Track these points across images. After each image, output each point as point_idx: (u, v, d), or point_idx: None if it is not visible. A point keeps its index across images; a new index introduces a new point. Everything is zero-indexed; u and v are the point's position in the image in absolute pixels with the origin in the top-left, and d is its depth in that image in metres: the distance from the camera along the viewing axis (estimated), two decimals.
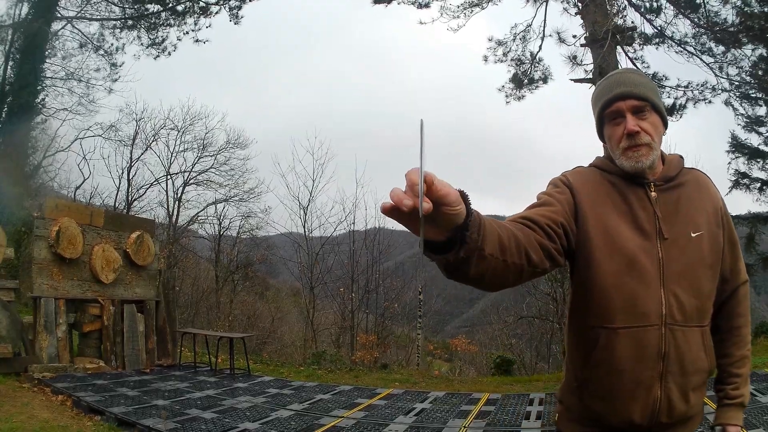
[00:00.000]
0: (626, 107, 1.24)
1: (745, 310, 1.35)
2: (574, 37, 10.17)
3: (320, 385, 6.93)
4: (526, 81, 11.15)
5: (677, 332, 1.19)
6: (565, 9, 10.30)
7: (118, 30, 13.82)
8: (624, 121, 1.24)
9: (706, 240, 1.24)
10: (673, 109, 10.43)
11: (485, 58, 11.24)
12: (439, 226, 0.86)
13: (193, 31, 13.78)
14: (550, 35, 10.63)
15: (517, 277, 1.06)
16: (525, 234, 1.07)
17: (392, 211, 0.78)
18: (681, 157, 1.34)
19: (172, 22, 13.74)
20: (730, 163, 11.04)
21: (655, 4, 10.15)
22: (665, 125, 1.29)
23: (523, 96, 11.28)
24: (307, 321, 14.44)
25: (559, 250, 1.15)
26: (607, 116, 1.28)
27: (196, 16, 13.68)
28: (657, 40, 10.27)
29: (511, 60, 11.10)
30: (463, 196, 0.88)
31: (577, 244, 1.22)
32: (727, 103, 10.78)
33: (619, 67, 9.44)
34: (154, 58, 13.94)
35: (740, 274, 1.34)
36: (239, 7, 13.83)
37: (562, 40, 10.28)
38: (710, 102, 10.41)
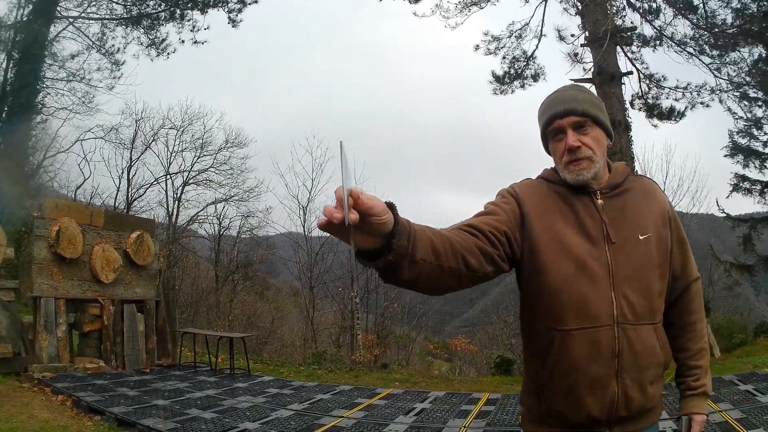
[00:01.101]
0: (567, 123, 1.30)
1: (698, 306, 1.41)
2: (573, 36, 10.21)
3: (320, 385, 6.93)
4: (514, 74, 11.18)
5: (630, 331, 1.24)
6: (565, 9, 10.33)
7: (123, 27, 13.83)
8: (565, 136, 1.30)
9: (654, 241, 1.30)
10: (671, 113, 10.46)
11: (476, 47, 11.29)
12: (370, 235, 0.95)
13: (191, 31, 13.79)
14: (545, 35, 10.68)
15: (456, 281, 1.12)
16: (464, 240, 1.13)
17: (326, 225, 0.87)
18: (627, 164, 1.42)
19: (174, 17, 13.72)
20: (727, 157, 11.05)
21: (653, 5, 10.16)
22: (610, 137, 1.36)
23: (513, 91, 11.33)
24: (307, 321, 14.44)
25: (502, 257, 1.21)
26: (550, 132, 1.35)
27: (196, 12, 13.66)
28: (656, 42, 10.29)
29: (503, 57, 11.14)
30: (391, 207, 0.96)
31: (526, 253, 1.27)
32: (722, 101, 10.80)
33: (619, 67, 9.49)
34: (153, 59, 13.97)
35: (691, 272, 1.40)
36: (239, 11, 13.84)
37: (562, 38, 10.31)
38: (708, 105, 10.44)
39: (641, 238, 1.29)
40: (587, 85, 9.57)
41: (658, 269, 1.30)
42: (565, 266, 1.25)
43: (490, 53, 11.28)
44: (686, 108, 10.38)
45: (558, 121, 1.31)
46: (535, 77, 11.19)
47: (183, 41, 13.77)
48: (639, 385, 1.26)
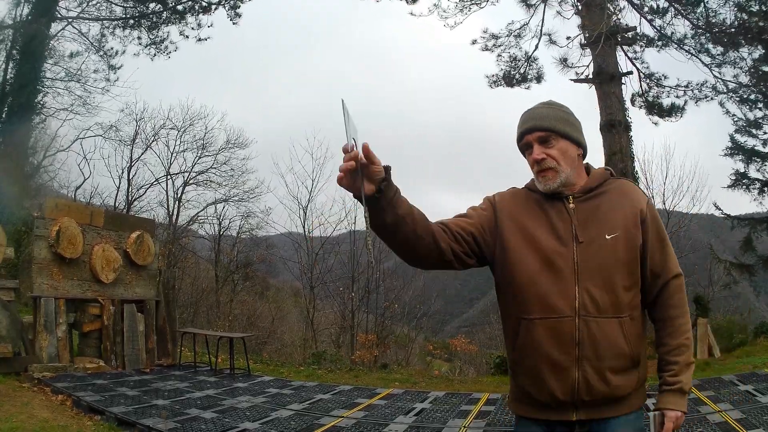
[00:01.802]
0: (533, 139, 1.47)
1: (678, 302, 1.46)
2: (568, 38, 10.21)
3: (320, 385, 6.93)
4: (520, 78, 11.17)
5: (591, 323, 1.36)
6: (558, 12, 10.32)
7: (120, 29, 13.81)
8: (533, 150, 1.48)
9: (622, 240, 1.42)
10: (672, 109, 10.46)
11: (474, 41, 11.26)
12: (370, 181, 1.23)
13: (194, 29, 13.78)
14: (545, 35, 10.67)
15: (426, 253, 1.38)
16: (437, 229, 1.39)
17: (343, 178, 1.20)
18: (607, 169, 1.55)
19: (173, 20, 13.73)
20: (727, 156, 11.04)
21: (657, 5, 10.16)
22: (581, 146, 1.51)
23: (510, 86, 11.33)
24: (307, 321, 14.45)
25: (466, 253, 1.44)
26: (522, 147, 1.53)
27: (196, 14, 13.66)
28: (660, 42, 10.28)
29: (500, 53, 11.13)
30: (386, 168, 1.25)
31: (497, 251, 1.47)
32: (721, 104, 10.81)
33: (619, 67, 9.49)
34: (152, 58, 13.95)
35: (671, 269, 1.47)
36: (237, 6, 13.83)
37: (553, 42, 10.33)
38: (711, 99, 10.44)
39: (608, 237, 1.41)
40: (587, 86, 9.64)
41: (626, 266, 1.41)
42: (531, 262, 1.42)
43: (487, 49, 11.26)
44: (685, 103, 10.38)
45: (527, 137, 1.48)
46: (538, 79, 11.19)
47: (187, 36, 13.75)
48: (599, 373, 1.36)
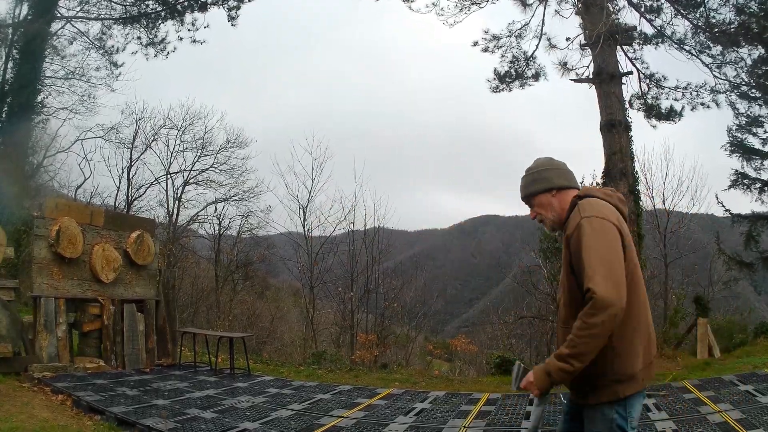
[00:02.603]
0: (525, 205, 2.03)
1: (582, 313, 1.70)
2: (568, 39, 10.19)
3: (320, 385, 6.93)
4: (515, 75, 11.15)
5: (558, 329, 1.93)
6: (556, 11, 10.30)
7: (120, 27, 13.81)
8: None
9: (565, 268, 1.87)
10: (670, 113, 10.46)
11: (475, 43, 11.22)
12: None
13: (190, 30, 13.78)
14: (545, 34, 10.65)
15: None
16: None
17: None
18: (574, 197, 1.91)
19: (171, 16, 13.72)
20: (729, 156, 11.06)
21: (655, 4, 10.15)
22: (553, 189, 1.95)
23: (511, 89, 11.32)
24: (306, 321, 14.44)
25: None
26: None
27: (194, 13, 13.66)
28: (657, 40, 10.27)
29: (504, 54, 11.10)
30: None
31: None
32: (718, 104, 10.79)
33: (619, 67, 9.48)
34: (152, 57, 13.95)
35: (584, 283, 1.72)
36: (237, 8, 13.82)
37: (553, 46, 10.31)
38: (708, 107, 10.43)
39: (561, 267, 1.89)
40: (587, 86, 9.62)
41: (571, 290, 1.83)
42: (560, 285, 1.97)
43: (488, 51, 11.23)
44: (682, 108, 10.38)
45: None
46: (536, 77, 11.17)
47: (182, 38, 13.77)
48: None
